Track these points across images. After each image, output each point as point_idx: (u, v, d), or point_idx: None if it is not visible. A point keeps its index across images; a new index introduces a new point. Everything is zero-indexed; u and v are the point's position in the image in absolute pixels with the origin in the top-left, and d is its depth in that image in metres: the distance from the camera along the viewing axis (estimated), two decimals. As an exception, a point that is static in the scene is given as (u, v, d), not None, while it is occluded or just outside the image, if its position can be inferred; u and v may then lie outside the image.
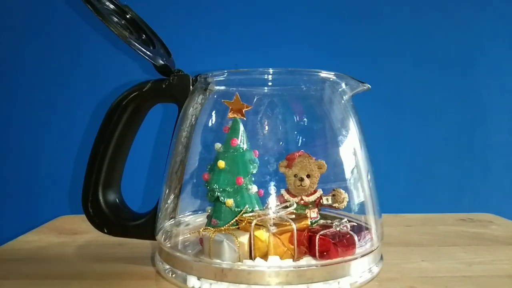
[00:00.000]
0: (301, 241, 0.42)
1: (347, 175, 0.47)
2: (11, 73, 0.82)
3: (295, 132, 0.49)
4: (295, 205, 0.45)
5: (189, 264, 0.41)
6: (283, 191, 0.48)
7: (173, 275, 0.43)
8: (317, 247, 0.41)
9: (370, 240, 0.45)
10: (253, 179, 0.45)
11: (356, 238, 0.43)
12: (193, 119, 0.48)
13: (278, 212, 0.43)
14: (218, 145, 0.46)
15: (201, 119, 0.48)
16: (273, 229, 0.40)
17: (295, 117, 0.48)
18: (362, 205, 0.47)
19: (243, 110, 0.43)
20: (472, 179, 0.84)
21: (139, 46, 0.45)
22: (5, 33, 0.81)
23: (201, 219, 0.51)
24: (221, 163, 0.44)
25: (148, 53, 0.46)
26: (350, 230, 0.43)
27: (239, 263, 0.39)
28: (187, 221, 0.52)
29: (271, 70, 0.46)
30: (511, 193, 0.84)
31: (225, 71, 0.47)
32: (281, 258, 0.40)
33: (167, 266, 0.44)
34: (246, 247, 0.40)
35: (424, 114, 0.83)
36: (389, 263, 0.48)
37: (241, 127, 0.45)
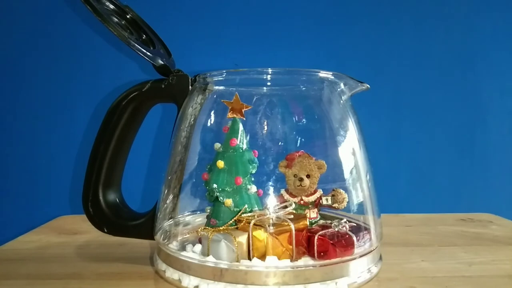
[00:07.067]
0: (300, 241, 0.42)
1: (346, 175, 0.47)
2: (11, 73, 0.82)
3: (294, 132, 0.49)
4: (293, 205, 0.45)
5: (187, 264, 0.41)
6: (283, 191, 0.48)
7: (172, 275, 0.43)
8: (315, 248, 0.41)
9: (369, 240, 0.45)
10: (252, 179, 0.45)
11: (354, 238, 0.43)
12: (192, 119, 0.48)
13: (276, 212, 0.43)
14: (217, 145, 0.46)
15: (200, 119, 0.48)
16: (272, 229, 0.40)
17: (294, 117, 0.48)
18: (361, 205, 0.47)
19: (243, 110, 0.43)
20: (472, 179, 0.84)
21: (138, 47, 0.46)
22: (5, 33, 0.81)
23: (200, 219, 0.52)
24: (220, 163, 0.44)
25: (148, 53, 0.46)
26: (349, 230, 0.43)
27: (237, 263, 0.39)
28: (186, 221, 0.52)
29: (270, 70, 0.46)
30: (511, 193, 0.84)
31: (224, 71, 0.47)
32: (279, 258, 0.40)
33: (166, 266, 0.44)
34: (245, 247, 0.40)
35: (424, 114, 0.83)
36: (389, 263, 0.48)
37: (241, 127, 0.45)
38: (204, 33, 0.81)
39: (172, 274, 0.43)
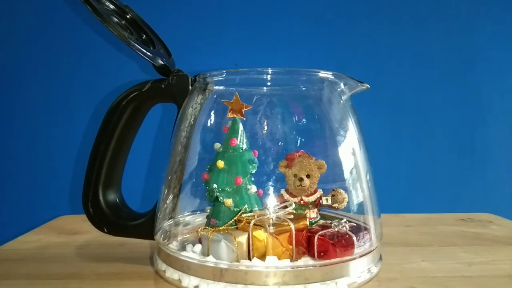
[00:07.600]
0: (300, 241, 0.42)
1: (346, 175, 0.47)
2: (11, 73, 0.82)
3: (294, 132, 0.49)
4: (293, 205, 0.45)
5: (187, 264, 0.41)
6: (282, 191, 0.48)
7: (172, 275, 0.43)
8: (315, 248, 0.41)
9: (369, 240, 0.45)
10: (252, 179, 0.45)
11: (354, 238, 0.43)
12: (192, 119, 0.48)
13: (276, 212, 0.43)
14: (217, 145, 0.46)
15: (200, 119, 0.48)
16: (272, 229, 0.40)
17: (294, 117, 0.48)
18: (361, 205, 0.47)
19: (243, 110, 0.43)
20: (472, 179, 0.84)
21: (138, 47, 0.46)
22: (5, 33, 0.81)
23: (200, 219, 0.52)
24: (220, 163, 0.44)
25: (148, 53, 0.46)
26: (349, 230, 0.43)
27: (237, 263, 0.39)
28: (186, 221, 0.52)
29: (270, 70, 0.46)
30: (511, 193, 0.84)
31: (224, 71, 0.47)
32: (279, 258, 0.40)
33: (166, 266, 0.44)
34: (245, 247, 0.40)
35: (424, 114, 0.83)
36: (389, 263, 0.48)
37: (241, 127, 0.45)
38: (204, 33, 0.81)
39: (172, 274, 0.43)
